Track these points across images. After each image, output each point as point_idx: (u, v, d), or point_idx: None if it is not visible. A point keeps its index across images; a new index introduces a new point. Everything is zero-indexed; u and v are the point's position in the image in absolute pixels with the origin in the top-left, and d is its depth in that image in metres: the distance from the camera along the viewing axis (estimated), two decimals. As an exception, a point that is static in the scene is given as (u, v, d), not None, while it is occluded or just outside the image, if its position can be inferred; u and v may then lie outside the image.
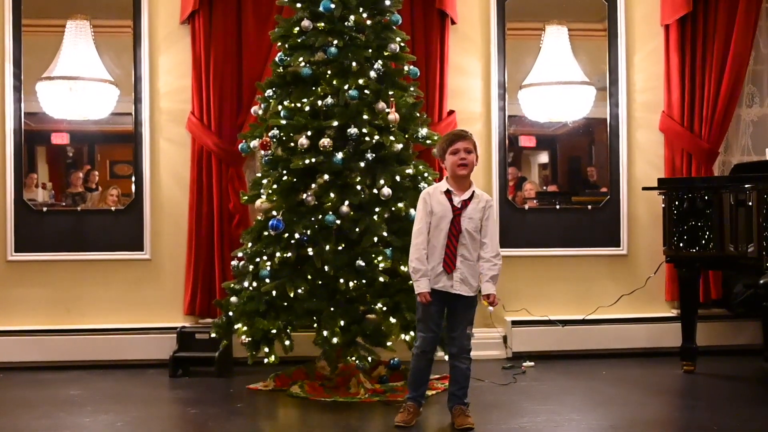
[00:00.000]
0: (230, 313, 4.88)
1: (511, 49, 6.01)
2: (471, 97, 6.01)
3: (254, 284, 4.80)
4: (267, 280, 4.73)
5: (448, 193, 4.05)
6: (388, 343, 4.78)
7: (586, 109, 5.99)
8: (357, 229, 4.66)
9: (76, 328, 5.62)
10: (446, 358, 4.31)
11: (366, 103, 4.80)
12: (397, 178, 4.78)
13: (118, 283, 5.77)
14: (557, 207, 6.04)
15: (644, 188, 5.68)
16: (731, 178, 5.49)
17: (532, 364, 5.56)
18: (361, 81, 4.79)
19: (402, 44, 5.04)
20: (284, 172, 4.81)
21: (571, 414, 4.31)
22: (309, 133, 4.73)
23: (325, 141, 4.68)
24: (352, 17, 4.86)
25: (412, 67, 5.12)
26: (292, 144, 4.79)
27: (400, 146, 4.81)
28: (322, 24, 4.83)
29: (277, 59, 5.00)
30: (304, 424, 4.29)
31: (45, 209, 5.74)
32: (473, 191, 4.07)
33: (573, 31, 6.02)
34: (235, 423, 4.18)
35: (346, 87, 4.75)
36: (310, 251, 4.67)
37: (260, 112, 5.02)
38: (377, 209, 4.73)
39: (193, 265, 5.71)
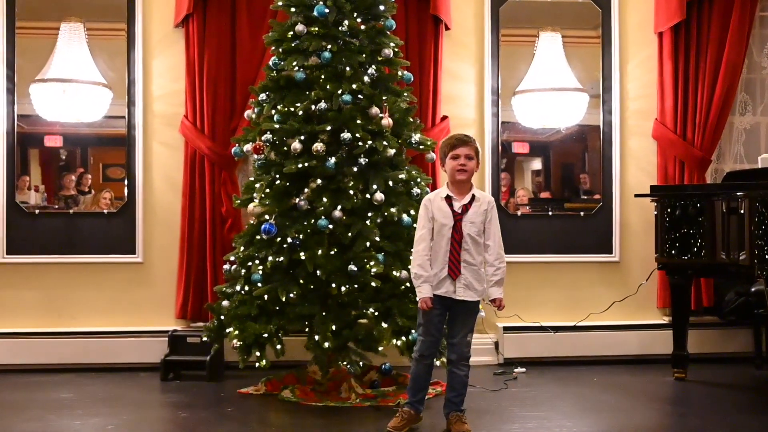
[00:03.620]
0: (222, 317, 4.87)
1: (505, 55, 6.02)
2: (464, 102, 6.02)
3: (246, 288, 4.79)
4: (259, 284, 4.72)
5: (448, 198, 4.04)
6: (380, 348, 4.78)
7: (579, 116, 6.00)
8: (349, 234, 4.65)
9: (68, 331, 5.61)
10: (438, 364, 4.31)
11: (359, 107, 4.80)
12: (390, 183, 4.79)
13: (110, 286, 5.76)
14: (550, 213, 6.05)
15: (637, 195, 5.69)
16: (723, 186, 5.50)
17: (524, 370, 5.57)
18: (354, 86, 4.79)
19: (396, 49, 5.04)
20: (277, 176, 4.81)
21: (562, 420, 4.31)
22: (302, 137, 4.73)
23: (319, 145, 4.67)
24: (346, 22, 4.87)
25: (405, 72, 5.13)
26: (285, 148, 4.79)
27: (393, 151, 4.81)
28: (316, 28, 4.84)
29: (270, 63, 5.00)
30: (295, 429, 4.27)
31: (37, 212, 5.72)
32: (473, 194, 4.06)
33: (567, 38, 6.03)
34: (225, 427, 4.17)
35: (339, 91, 4.75)
36: (302, 255, 4.66)
37: (253, 116, 5.02)
38: (370, 214, 4.73)
39: (185, 268, 5.70)
